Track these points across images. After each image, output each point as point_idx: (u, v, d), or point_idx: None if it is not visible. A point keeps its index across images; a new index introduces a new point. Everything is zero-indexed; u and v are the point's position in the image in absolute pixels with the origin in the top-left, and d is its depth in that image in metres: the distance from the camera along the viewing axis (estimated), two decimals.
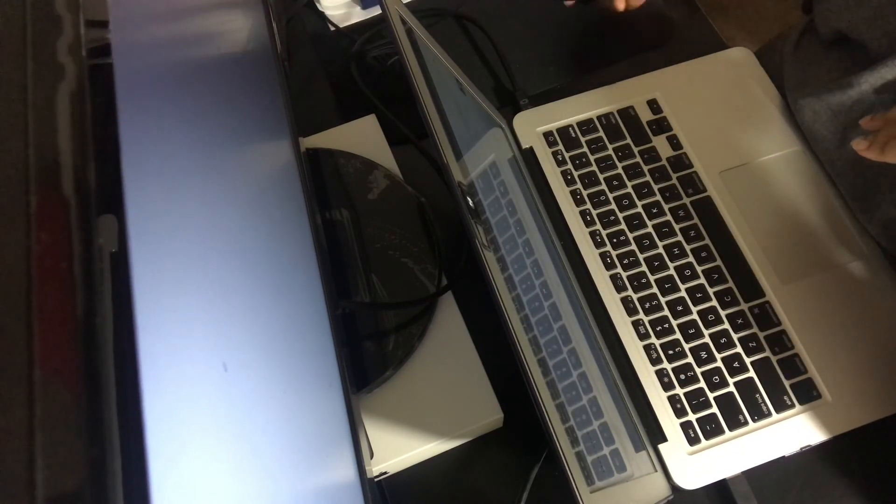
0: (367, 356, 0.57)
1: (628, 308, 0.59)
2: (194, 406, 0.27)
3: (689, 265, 0.60)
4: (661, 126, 0.67)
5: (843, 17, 0.58)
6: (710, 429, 0.55)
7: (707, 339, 0.58)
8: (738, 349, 0.57)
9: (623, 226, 0.62)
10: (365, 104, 0.69)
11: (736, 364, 0.57)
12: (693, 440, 0.55)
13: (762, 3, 1.39)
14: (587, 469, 0.48)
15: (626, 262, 0.61)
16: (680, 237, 0.62)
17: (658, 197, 0.63)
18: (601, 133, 0.66)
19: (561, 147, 0.66)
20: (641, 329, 0.58)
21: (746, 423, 0.55)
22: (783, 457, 0.54)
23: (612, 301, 0.60)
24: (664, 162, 0.65)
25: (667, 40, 0.74)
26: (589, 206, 0.63)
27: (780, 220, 0.62)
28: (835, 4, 0.59)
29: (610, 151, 0.65)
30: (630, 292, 0.60)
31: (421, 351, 0.58)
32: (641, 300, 0.59)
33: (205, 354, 0.29)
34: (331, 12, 0.76)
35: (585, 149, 0.66)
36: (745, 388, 0.56)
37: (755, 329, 0.58)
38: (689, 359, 0.57)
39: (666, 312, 0.59)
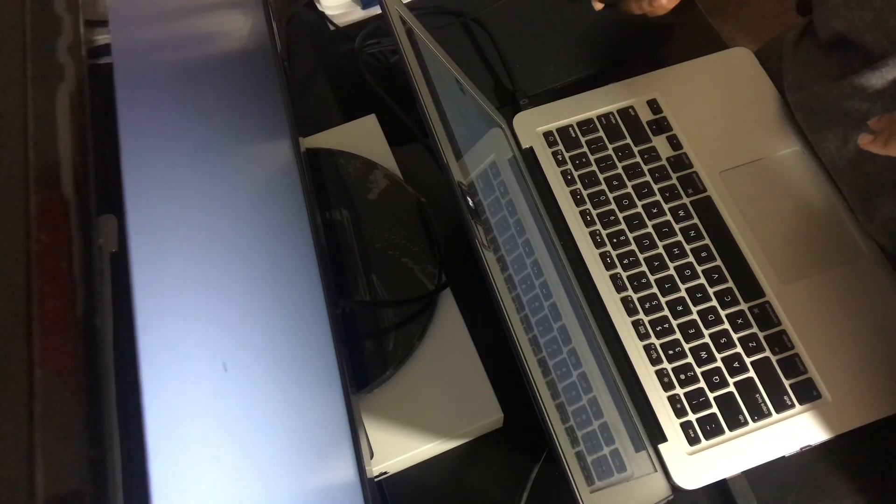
0: (367, 356, 0.57)
1: (628, 308, 0.59)
2: (194, 406, 0.27)
3: (689, 265, 0.60)
4: (661, 126, 0.67)
5: (843, 20, 0.58)
6: (710, 429, 0.55)
7: (707, 339, 0.58)
8: (738, 349, 0.57)
9: (623, 226, 0.62)
10: (365, 103, 0.69)
11: (736, 364, 0.57)
12: (693, 440, 0.55)
13: (762, 3, 1.39)
14: (587, 469, 0.48)
15: (626, 262, 0.61)
16: (680, 237, 0.62)
17: (658, 197, 0.63)
18: (601, 133, 0.66)
19: (561, 147, 0.66)
20: (641, 329, 0.58)
21: (746, 423, 0.55)
22: (783, 457, 0.54)
23: (612, 301, 0.60)
24: (664, 162, 0.65)
25: (667, 40, 0.74)
26: (589, 206, 0.63)
27: (780, 220, 0.62)
28: (835, 6, 0.59)
29: (610, 151, 0.65)
30: (630, 292, 0.60)
31: (421, 351, 0.58)
32: (641, 300, 0.59)
33: (205, 354, 0.29)
34: (331, 12, 0.76)
35: (585, 149, 0.66)
36: (745, 388, 0.56)
37: (755, 329, 0.58)
38: (689, 359, 0.57)
39: (666, 312, 0.59)
